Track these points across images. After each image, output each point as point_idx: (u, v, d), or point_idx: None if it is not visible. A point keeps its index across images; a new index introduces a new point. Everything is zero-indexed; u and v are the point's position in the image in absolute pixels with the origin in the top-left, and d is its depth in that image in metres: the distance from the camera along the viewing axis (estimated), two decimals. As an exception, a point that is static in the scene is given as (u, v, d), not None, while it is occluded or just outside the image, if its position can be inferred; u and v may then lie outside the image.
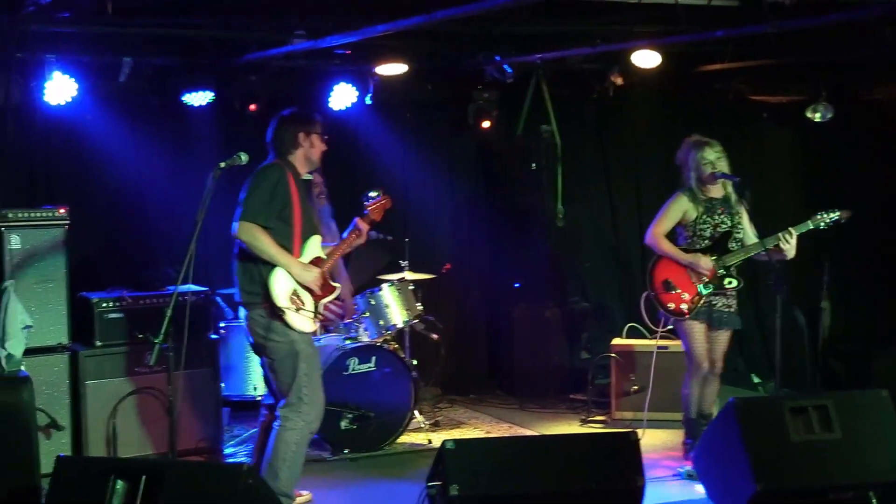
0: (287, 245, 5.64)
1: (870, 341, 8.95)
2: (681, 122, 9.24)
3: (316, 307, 5.79)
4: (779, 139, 9.64)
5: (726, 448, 5.28)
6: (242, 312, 5.76)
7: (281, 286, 5.59)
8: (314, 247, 5.84)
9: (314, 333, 6.36)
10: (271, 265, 5.57)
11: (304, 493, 6.10)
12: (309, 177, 5.90)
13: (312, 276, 5.71)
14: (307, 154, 5.86)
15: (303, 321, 5.67)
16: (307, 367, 5.66)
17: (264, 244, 5.52)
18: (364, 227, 6.04)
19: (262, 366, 5.87)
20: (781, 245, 6.34)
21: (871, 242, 9.15)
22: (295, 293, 5.64)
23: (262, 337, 5.67)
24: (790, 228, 6.36)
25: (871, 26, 6.84)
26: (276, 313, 5.58)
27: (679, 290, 6.59)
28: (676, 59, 8.37)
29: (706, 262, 6.52)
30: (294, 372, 5.62)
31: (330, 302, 6.03)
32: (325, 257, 5.87)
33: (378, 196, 6.14)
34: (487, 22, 7.28)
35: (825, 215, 6.41)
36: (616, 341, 8.35)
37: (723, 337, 6.64)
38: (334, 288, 5.91)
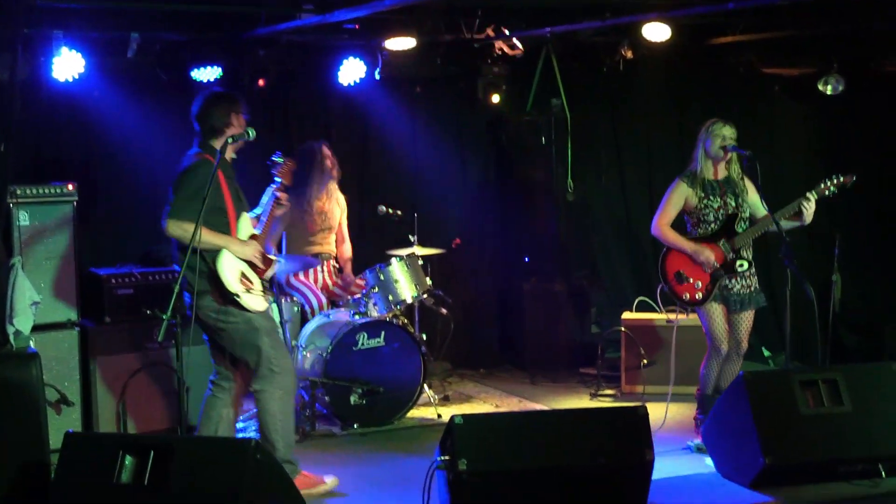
0: (226, 231, 5.63)
1: (881, 314, 8.93)
2: (692, 95, 9.21)
3: (263, 284, 5.78)
4: (790, 112, 9.58)
5: (736, 421, 5.28)
6: (188, 299, 5.62)
7: (229, 271, 5.56)
8: (246, 225, 5.80)
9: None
10: (214, 253, 5.53)
11: (328, 478, 6.00)
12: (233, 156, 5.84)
13: (252, 249, 5.69)
14: (234, 133, 5.70)
15: (256, 300, 5.66)
16: (270, 341, 5.69)
17: (195, 234, 5.28)
18: (282, 195, 6.05)
19: (209, 342, 5.87)
20: (802, 209, 6.30)
21: (883, 215, 9.10)
22: (243, 275, 5.63)
23: (220, 321, 5.62)
24: (807, 194, 6.31)
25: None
26: (230, 299, 5.56)
27: (692, 280, 6.56)
28: (687, 32, 8.32)
29: (708, 255, 6.48)
30: (258, 348, 5.64)
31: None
32: (258, 234, 5.85)
33: (283, 161, 6.07)
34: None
35: (829, 182, 6.36)
36: (626, 315, 8.34)
37: (745, 317, 6.58)
38: (272, 261, 5.91)
